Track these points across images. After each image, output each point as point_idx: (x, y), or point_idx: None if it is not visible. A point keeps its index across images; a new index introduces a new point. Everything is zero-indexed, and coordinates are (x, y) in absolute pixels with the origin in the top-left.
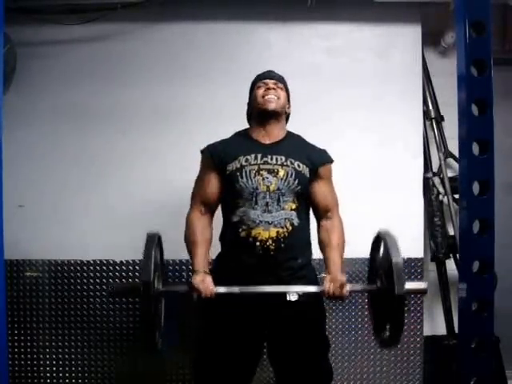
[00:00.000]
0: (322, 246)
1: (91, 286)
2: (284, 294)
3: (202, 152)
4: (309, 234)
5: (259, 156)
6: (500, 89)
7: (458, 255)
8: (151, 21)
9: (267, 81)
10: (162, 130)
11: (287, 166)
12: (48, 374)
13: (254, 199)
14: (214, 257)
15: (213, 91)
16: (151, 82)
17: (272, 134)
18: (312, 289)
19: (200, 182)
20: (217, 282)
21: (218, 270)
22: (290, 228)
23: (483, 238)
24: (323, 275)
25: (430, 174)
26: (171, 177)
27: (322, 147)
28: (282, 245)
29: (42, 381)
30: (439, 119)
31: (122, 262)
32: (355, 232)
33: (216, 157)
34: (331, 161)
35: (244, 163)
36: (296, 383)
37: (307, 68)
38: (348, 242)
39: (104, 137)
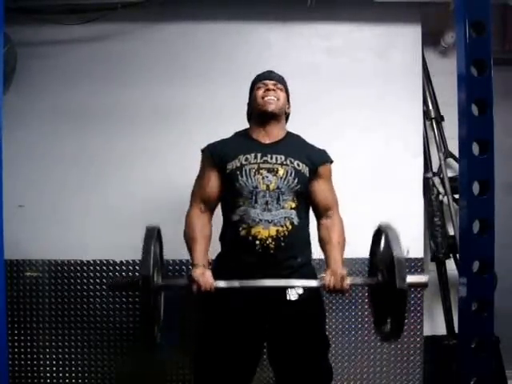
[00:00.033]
0: (323, 244)
1: (91, 286)
2: (284, 294)
3: (203, 151)
4: (308, 233)
5: (259, 155)
6: (500, 89)
7: (458, 255)
8: (151, 21)
9: (267, 82)
10: (162, 130)
11: (287, 165)
12: (48, 374)
13: (253, 198)
14: (213, 257)
15: (213, 91)
16: (151, 82)
17: (272, 134)
18: (313, 283)
19: (200, 180)
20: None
21: (218, 270)
22: (290, 227)
23: (483, 238)
24: (323, 275)
25: (430, 174)
26: (171, 177)
27: (321, 147)
28: (282, 243)
29: (41, 381)
30: (439, 119)
31: (121, 262)
32: (355, 232)
33: (216, 156)
34: (331, 161)
35: (244, 162)
36: (296, 383)
37: (307, 68)
38: (348, 242)
39: (104, 137)
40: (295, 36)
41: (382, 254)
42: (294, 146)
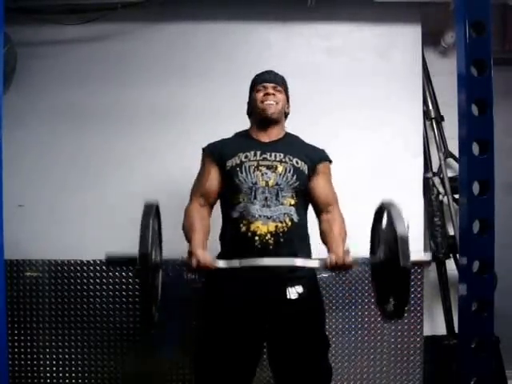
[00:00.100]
0: (324, 237)
1: (91, 286)
2: (284, 293)
3: (203, 150)
4: (307, 233)
5: (258, 153)
6: (500, 89)
7: (458, 255)
8: (151, 21)
9: (266, 84)
10: (161, 129)
11: (285, 162)
12: (48, 374)
13: (252, 194)
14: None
15: (212, 91)
16: (150, 82)
17: (271, 134)
18: (314, 263)
19: (200, 176)
20: (216, 281)
21: (218, 269)
22: (290, 223)
23: (483, 238)
24: (323, 275)
25: (430, 174)
26: (170, 176)
27: (321, 147)
28: (281, 239)
29: (41, 381)
30: (439, 119)
31: None
32: (355, 232)
33: (216, 153)
34: (330, 160)
35: (243, 159)
36: (296, 383)
37: (307, 68)
38: (348, 242)
39: (103, 136)
40: (295, 36)
41: (385, 232)
42: (293, 144)
